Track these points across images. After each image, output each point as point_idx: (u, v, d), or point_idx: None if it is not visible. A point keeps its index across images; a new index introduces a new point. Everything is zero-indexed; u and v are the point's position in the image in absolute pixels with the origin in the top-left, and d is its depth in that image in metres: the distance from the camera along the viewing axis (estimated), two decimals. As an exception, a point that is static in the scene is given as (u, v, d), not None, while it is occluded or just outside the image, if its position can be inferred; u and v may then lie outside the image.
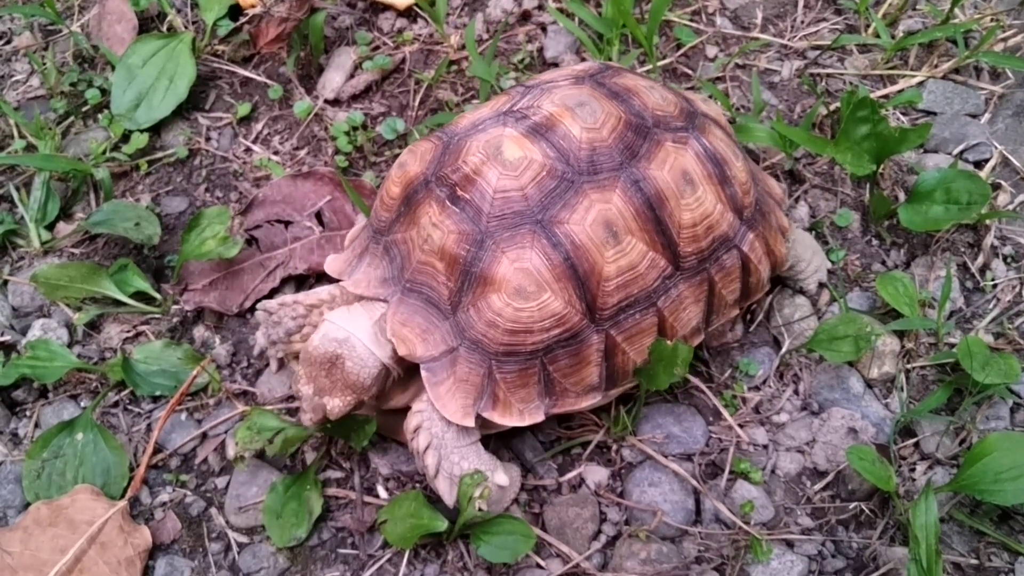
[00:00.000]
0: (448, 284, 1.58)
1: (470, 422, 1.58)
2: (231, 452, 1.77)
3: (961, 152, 2.16)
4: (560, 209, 1.56)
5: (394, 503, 1.67)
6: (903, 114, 2.24)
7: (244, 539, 1.72)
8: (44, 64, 2.36)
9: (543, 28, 2.41)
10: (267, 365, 1.88)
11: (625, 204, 1.59)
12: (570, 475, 1.75)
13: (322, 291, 1.79)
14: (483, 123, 1.65)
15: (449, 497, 1.62)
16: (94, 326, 1.98)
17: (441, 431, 1.61)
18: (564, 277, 1.55)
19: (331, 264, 1.77)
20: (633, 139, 1.63)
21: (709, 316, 1.75)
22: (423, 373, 1.60)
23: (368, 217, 1.80)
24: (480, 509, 1.56)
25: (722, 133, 1.75)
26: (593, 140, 1.60)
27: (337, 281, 1.76)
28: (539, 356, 1.59)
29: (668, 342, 1.61)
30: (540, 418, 1.63)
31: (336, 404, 1.59)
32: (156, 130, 2.27)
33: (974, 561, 1.66)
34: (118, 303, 1.96)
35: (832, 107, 2.18)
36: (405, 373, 1.68)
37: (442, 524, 1.60)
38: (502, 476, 1.63)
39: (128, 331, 1.96)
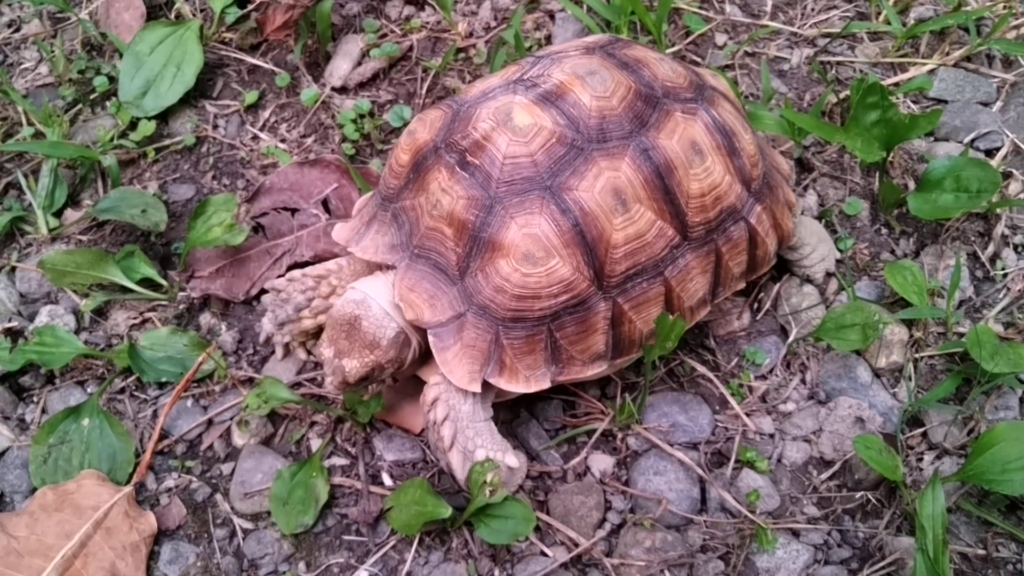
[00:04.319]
0: (456, 249, 1.58)
1: (476, 387, 1.58)
2: (237, 439, 1.78)
3: (972, 140, 2.14)
4: (569, 176, 1.56)
5: (399, 490, 1.67)
6: (913, 102, 2.22)
7: (249, 525, 1.72)
8: (52, 52, 2.37)
9: (551, 16, 2.40)
10: (273, 352, 1.88)
11: (634, 172, 1.58)
12: (575, 462, 1.75)
13: (330, 263, 1.81)
14: (493, 91, 1.65)
15: (461, 472, 1.61)
16: (101, 312, 1.98)
17: (458, 404, 1.61)
18: (572, 243, 1.55)
19: (338, 232, 1.76)
20: (643, 108, 1.63)
21: (715, 288, 1.75)
22: (430, 338, 1.60)
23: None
24: (490, 493, 1.56)
25: (731, 106, 1.75)
26: (603, 108, 1.60)
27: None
28: (546, 323, 1.59)
29: (669, 316, 1.61)
30: (546, 385, 1.62)
31: (353, 365, 1.58)
32: (163, 117, 2.27)
33: (981, 551, 1.65)
34: (125, 290, 1.97)
35: (842, 95, 2.17)
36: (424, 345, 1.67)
37: (446, 511, 1.60)
38: (512, 458, 1.63)
39: (135, 318, 1.97)
